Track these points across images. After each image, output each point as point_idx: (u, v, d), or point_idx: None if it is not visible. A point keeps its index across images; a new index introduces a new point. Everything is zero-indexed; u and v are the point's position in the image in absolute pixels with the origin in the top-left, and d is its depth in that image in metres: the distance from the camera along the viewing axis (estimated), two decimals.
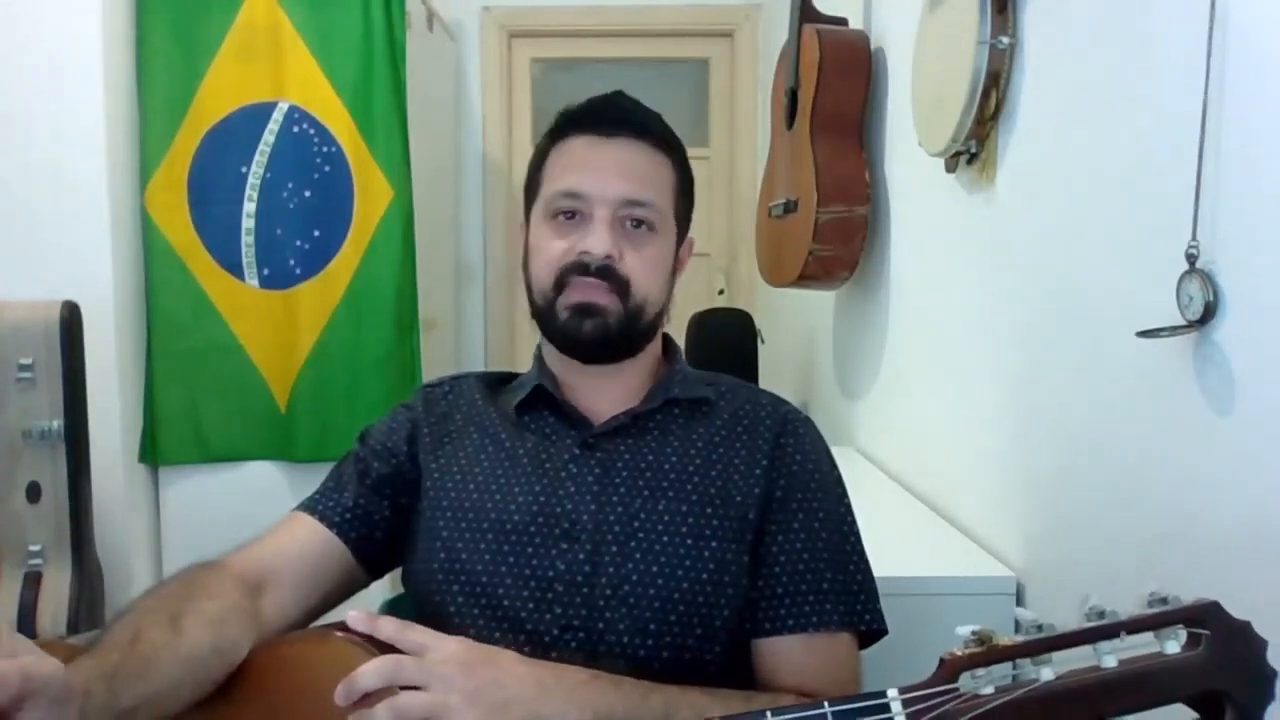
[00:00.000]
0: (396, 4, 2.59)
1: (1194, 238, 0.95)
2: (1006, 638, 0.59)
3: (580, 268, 0.97)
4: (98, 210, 2.35)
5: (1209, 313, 0.94)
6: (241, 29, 2.52)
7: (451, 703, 0.75)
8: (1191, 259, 0.95)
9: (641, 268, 0.98)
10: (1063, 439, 1.29)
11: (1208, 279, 0.94)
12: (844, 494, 1.02)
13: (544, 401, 1.03)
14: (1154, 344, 1.01)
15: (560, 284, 0.98)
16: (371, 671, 0.74)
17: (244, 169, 2.54)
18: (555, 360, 1.04)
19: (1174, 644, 0.59)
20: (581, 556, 0.94)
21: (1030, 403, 1.40)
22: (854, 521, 1.01)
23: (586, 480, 0.97)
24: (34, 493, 2.04)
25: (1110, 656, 0.58)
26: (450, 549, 0.97)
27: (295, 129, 2.55)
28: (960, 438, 1.67)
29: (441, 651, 0.78)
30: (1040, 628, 0.58)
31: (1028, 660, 0.58)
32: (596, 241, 0.96)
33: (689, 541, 0.94)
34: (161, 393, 2.53)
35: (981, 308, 1.58)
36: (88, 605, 2.08)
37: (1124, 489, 1.12)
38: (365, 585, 1.03)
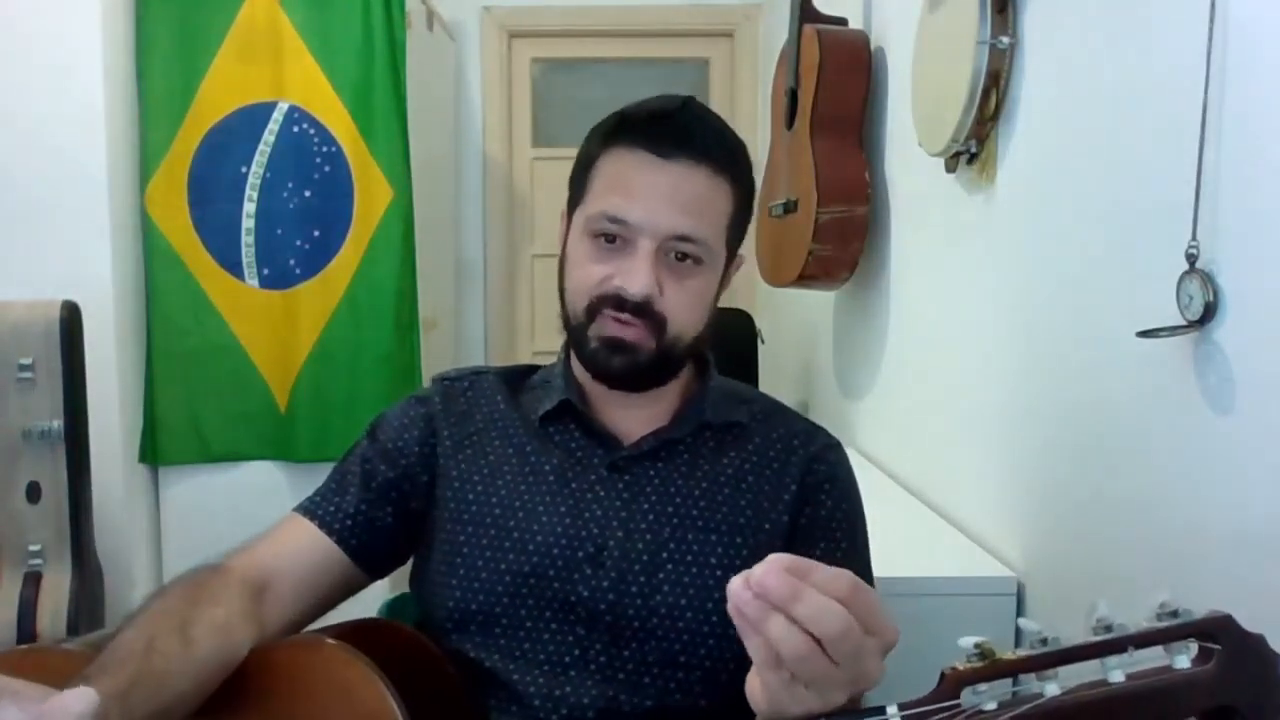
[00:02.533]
0: (396, 4, 2.58)
1: (1194, 238, 0.95)
2: (1010, 652, 0.56)
3: (616, 303, 0.91)
4: (98, 210, 2.36)
5: (1209, 313, 0.94)
6: (241, 29, 2.52)
7: None
8: (1191, 259, 0.95)
9: (682, 304, 0.93)
10: (1063, 439, 1.29)
11: (1208, 279, 0.94)
12: (865, 528, 1.00)
13: (570, 415, 0.99)
14: (1154, 344, 1.01)
15: (592, 311, 0.93)
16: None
17: (244, 169, 2.54)
18: (584, 374, 1.00)
19: (1184, 658, 0.57)
20: (605, 584, 0.92)
21: (1030, 402, 1.39)
22: (869, 559, 1.00)
23: (614, 504, 0.95)
24: (34, 493, 2.04)
25: (1118, 671, 0.56)
26: (470, 565, 0.95)
27: (295, 129, 2.55)
28: (960, 437, 1.67)
29: None
30: (1045, 640, 0.56)
31: (1032, 675, 0.56)
32: (636, 280, 0.90)
33: (719, 572, 0.92)
34: (161, 393, 2.53)
35: (981, 308, 1.58)
36: (88, 605, 2.08)
37: (1124, 489, 1.12)
38: (366, 585, 1.01)
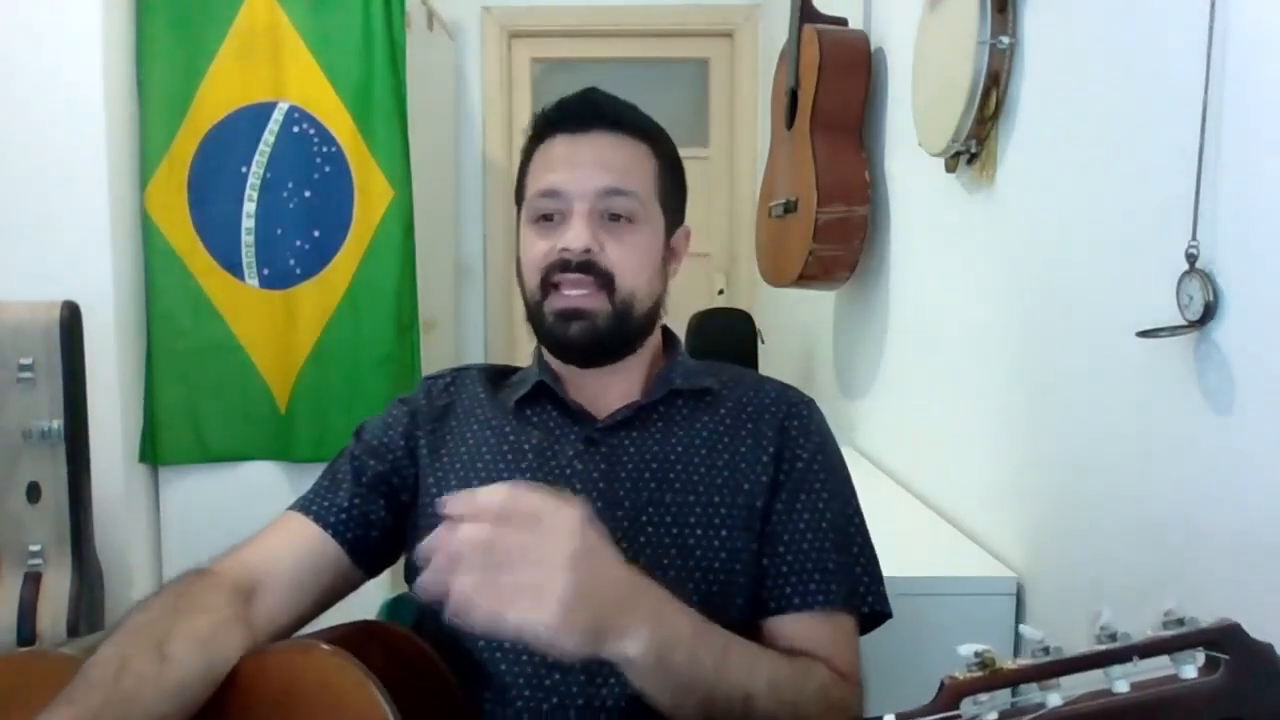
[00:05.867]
0: (396, 4, 2.58)
1: (1194, 238, 0.95)
2: (1011, 661, 0.56)
3: (562, 265, 0.96)
4: (98, 210, 2.35)
5: (1209, 313, 0.94)
6: (241, 29, 2.52)
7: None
8: (1191, 259, 0.95)
9: (625, 259, 0.97)
10: (1063, 439, 1.29)
11: (1208, 279, 0.94)
12: (848, 478, 1.02)
13: (546, 396, 1.02)
14: (1154, 344, 1.01)
15: (546, 286, 0.98)
16: (494, 491, 0.73)
17: (244, 169, 2.54)
18: (554, 359, 1.04)
19: (1190, 668, 0.56)
20: None
21: (1030, 402, 1.39)
22: (858, 505, 1.01)
23: (592, 477, 0.97)
24: (34, 493, 2.04)
25: (1122, 681, 0.55)
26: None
27: (295, 129, 2.55)
28: (960, 437, 1.67)
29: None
30: (1047, 650, 0.55)
31: (1034, 685, 0.55)
32: (574, 236, 0.96)
33: (699, 531, 0.94)
34: (161, 393, 2.53)
35: (981, 307, 1.58)
36: (88, 605, 2.08)
37: (1124, 489, 1.12)
38: (361, 584, 1.01)
